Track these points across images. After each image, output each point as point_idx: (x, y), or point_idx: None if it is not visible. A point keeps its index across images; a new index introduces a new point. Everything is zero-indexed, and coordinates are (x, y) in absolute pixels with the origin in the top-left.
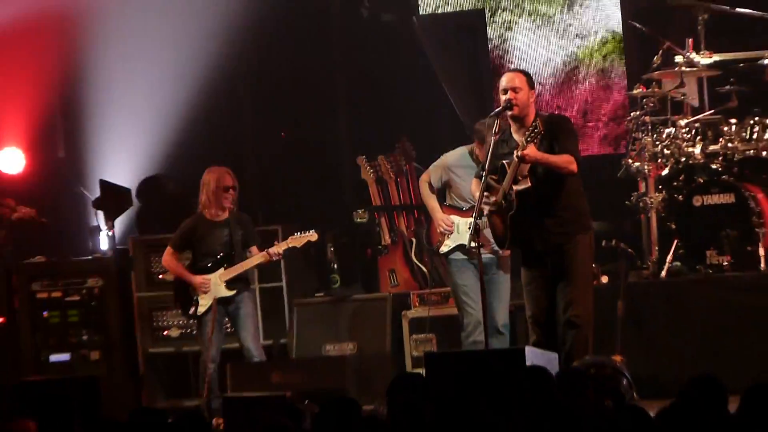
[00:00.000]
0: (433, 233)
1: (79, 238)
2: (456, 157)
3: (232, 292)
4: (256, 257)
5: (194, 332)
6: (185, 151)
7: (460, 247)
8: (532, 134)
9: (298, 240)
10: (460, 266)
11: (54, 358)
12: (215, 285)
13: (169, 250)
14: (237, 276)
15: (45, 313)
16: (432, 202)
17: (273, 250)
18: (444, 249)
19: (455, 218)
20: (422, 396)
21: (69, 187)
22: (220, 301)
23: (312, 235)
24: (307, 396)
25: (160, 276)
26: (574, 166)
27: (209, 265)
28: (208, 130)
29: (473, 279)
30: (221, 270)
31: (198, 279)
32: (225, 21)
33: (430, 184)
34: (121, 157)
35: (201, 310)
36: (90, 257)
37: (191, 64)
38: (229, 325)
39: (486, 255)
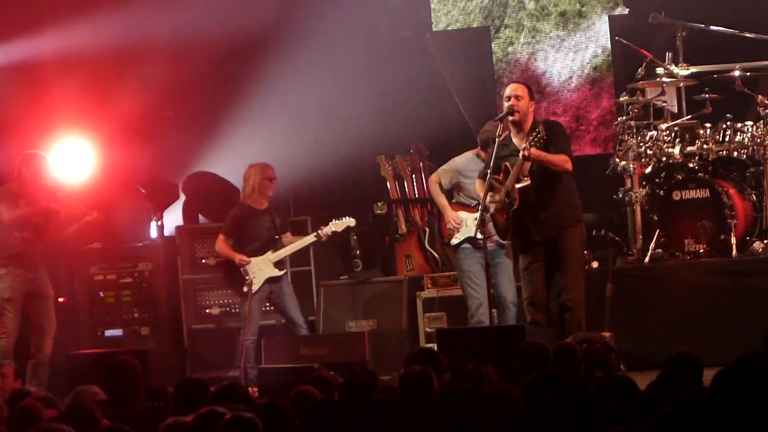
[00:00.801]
0: (443, 227)
1: (132, 227)
2: (465, 161)
3: (282, 272)
4: (308, 238)
5: (233, 310)
6: (224, 150)
7: (469, 239)
8: (536, 138)
9: (339, 225)
10: (467, 254)
11: (108, 333)
12: (266, 266)
13: (222, 237)
14: (281, 258)
15: (101, 294)
16: (442, 200)
17: (323, 231)
18: (455, 241)
19: (463, 214)
20: (433, 367)
21: (124, 183)
22: (268, 281)
23: (351, 221)
24: (332, 368)
25: (203, 260)
26: (569, 165)
27: (257, 248)
28: (244, 131)
29: (478, 266)
30: (269, 252)
31: (246, 260)
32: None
33: (440, 185)
34: (170, 155)
35: (254, 288)
36: (141, 244)
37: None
38: (268, 303)
39: (491, 245)
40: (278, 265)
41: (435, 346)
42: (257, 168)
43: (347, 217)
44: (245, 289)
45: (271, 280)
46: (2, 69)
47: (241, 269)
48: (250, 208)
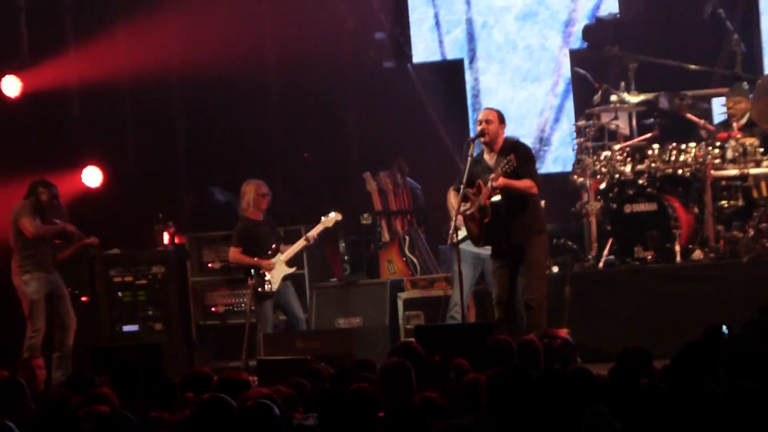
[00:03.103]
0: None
1: (146, 235)
2: None
3: (293, 269)
4: (300, 242)
5: (236, 309)
6: (227, 168)
7: (466, 238)
8: (505, 167)
9: (329, 220)
10: (464, 255)
11: (126, 328)
12: (280, 266)
13: (235, 249)
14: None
15: (119, 294)
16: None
17: (310, 234)
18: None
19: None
20: (414, 359)
21: (139, 196)
22: (283, 279)
23: (337, 215)
24: (323, 359)
25: (209, 265)
26: (534, 189)
27: (264, 253)
28: (245, 150)
29: (467, 268)
30: (279, 254)
31: (269, 262)
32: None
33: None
34: (178, 171)
35: (274, 287)
36: (155, 250)
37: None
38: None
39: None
40: (289, 263)
41: (413, 341)
42: (252, 186)
43: (333, 213)
44: (264, 288)
45: (284, 278)
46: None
47: (261, 272)
48: (250, 220)
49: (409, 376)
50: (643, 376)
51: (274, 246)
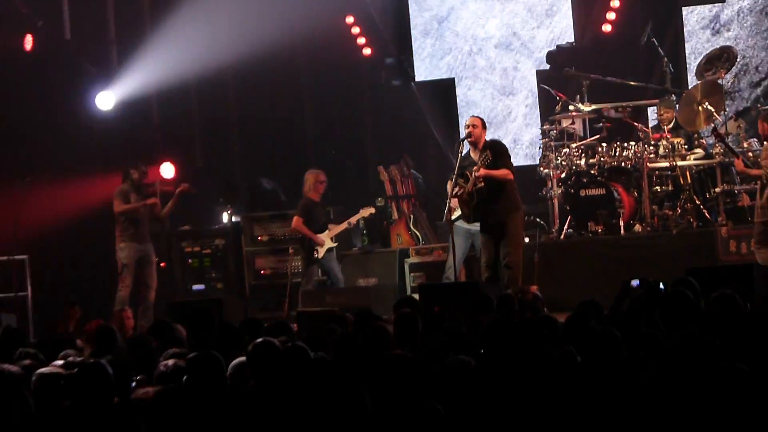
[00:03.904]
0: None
1: (210, 214)
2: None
3: (336, 244)
4: (344, 224)
5: (279, 272)
6: (273, 162)
7: (461, 217)
8: (484, 160)
9: (365, 212)
10: (457, 230)
11: (195, 287)
12: (327, 240)
13: (297, 218)
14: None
15: (189, 260)
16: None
17: (351, 220)
18: (453, 216)
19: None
20: (413, 308)
21: (205, 185)
22: (327, 250)
23: (372, 209)
24: (347, 311)
25: (259, 238)
26: (510, 176)
27: (317, 228)
28: (285, 148)
29: (460, 240)
30: (327, 231)
31: (321, 237)
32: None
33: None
34: (234, 165)
35: (320, 256)
36: (217, 226)
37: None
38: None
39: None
40: (333, 239)
41: (417, 296)
42: (313, 174)
43: (369, 207)
44: (315, 255)
45: (328, 250)
46: None
47: (312, 242)
48: (310, 200)
49: (416, 323)
50: (595, 322)
51: (322, 222)
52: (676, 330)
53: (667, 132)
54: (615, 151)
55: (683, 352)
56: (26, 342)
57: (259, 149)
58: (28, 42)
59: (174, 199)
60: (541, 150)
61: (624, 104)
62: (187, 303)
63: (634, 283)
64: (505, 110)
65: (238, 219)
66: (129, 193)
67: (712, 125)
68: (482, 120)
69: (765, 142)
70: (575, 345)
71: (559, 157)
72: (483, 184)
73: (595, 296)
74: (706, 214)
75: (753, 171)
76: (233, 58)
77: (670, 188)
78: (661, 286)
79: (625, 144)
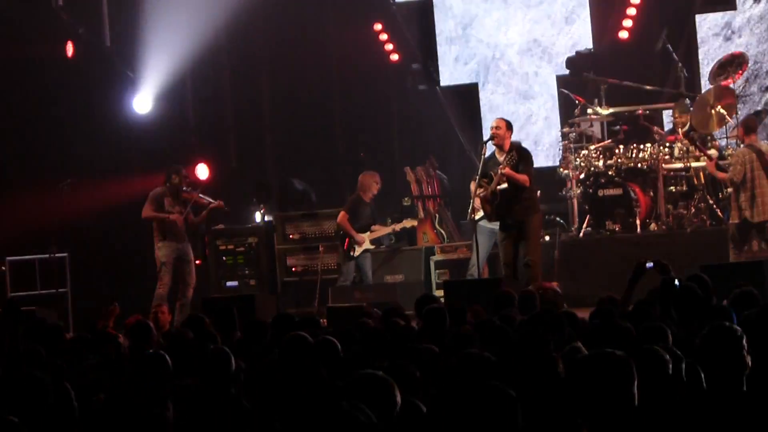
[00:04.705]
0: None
1: (244, 214)
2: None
3: (373, 247)
4: (386, 228)
5: (310, 269)
6: (303, 165)
7: (484, 216)
8: (510, 160)
9: (407, 223)
10: (479, 229)
11: (228, 284)
12: (366, 240)
13: (343, 214)
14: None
15: (224, 258)
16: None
17: (396, 227)
18: (476, 216)
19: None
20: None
21: (238, 186)
22: (363, 251)
23: (414, 221)
24: (375, 306)
25: (291, 236)
26: (527, 184)
27: (361, 227)
28: (316, 152)
29: (483, 238)
30: (368, 232)
31: (361, 236)
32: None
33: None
34: (267, 167)
35: (357, 253)
36: (250, 225)
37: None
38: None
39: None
40: (372, 243)
41: (442, 292)
42: (369, 175)
43: (414, 219)
44: (351, 253)
45: (365, 250)
46: None
47: (351, 240)
48: (360, 198)
49: (444, 318)
50: (615, 317)
51: (367, 222)
52: (689, 323)
53: (682, 134)
54: (632, 153)
55: (714, 344)
56: (62, 338)
57: (291, 151)
58: (69, 49)
59: (205, 213)
60: (560, 152)
61: (641, 107)
62: (222, 299)
63: (648, 265)
64: (527, 113)
65: (271, 218)
66: (163, 197)
67: (685, 129)
68: (507, 122)
69: (740, 147)
70: (594, 339)
71: (578, 159)
72: (506, 184)
73: (613, 292)
74: (719, 213)
75: (720, 174)
76: (267, 63)
77: (684, 188)
78: (677, 282)
79: (642, 146)
